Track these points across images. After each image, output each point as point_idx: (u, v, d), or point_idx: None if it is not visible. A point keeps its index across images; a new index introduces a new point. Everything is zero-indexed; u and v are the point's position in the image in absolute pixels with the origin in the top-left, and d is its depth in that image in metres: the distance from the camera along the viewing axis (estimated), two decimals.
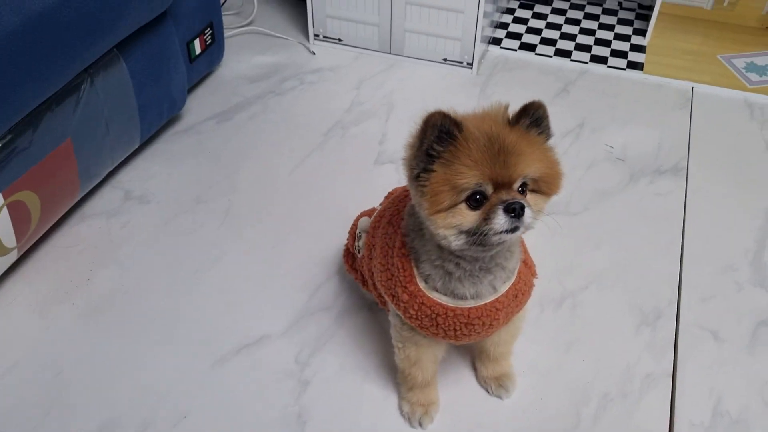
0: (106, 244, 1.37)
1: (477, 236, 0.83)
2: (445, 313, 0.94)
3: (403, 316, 0.99)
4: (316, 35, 1.96)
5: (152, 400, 1.12)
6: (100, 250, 1.36)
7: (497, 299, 0.95)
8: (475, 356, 1.16)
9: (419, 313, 0.96)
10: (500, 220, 0.81)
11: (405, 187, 1.03)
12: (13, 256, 1.24)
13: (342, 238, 1.27)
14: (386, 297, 1.01)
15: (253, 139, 1.64)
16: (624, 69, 1.90)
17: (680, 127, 1.71)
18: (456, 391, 1.14)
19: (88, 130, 1.32)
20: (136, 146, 1.52)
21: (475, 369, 1.16)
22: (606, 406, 1.12)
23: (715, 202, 1.50)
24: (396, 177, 1.53)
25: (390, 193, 1.16)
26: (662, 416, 1.11)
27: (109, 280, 1.30)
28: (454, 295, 0.94)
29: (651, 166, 1.59)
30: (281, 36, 1.99)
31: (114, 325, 1.23)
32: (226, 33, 1.94)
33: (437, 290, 0.94)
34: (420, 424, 1.08)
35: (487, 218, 0.82)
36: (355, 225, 1.18)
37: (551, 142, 0.89)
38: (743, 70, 1.89)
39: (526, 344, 1.19)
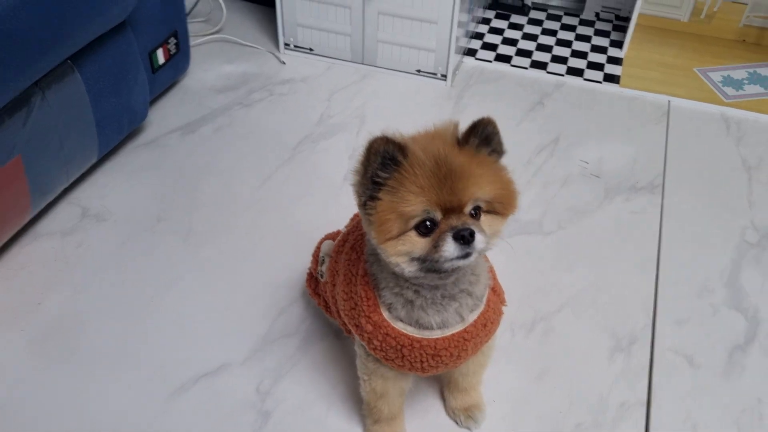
0: (59, 266, 1.31)
1: (429, 263, 0.80)
2: (411, 345, 0.90)
3: (367, 348, 0.94)
4: (286, 44, 1.91)
5: None
6: (53, 272, 1.30)
7: (465, 329, 0.91)
8: (443, 386, 1.11)
9: (384, 345, 0.91)
10: (449, 248, 0.78)
11: None
12: None
13: (308, 260, 1.22)
14: (350, 327, 0.96)
15: (219, 153, 1.58)
16: (600, 82, 1.87)
17: (656, 141, 1.68)
18: (424, 422, 1.10)
19: (39, 146, 1.25)
20: (94, 161, 1.45)
21: (443, 399, 1.12)
22: None
23: (690, 221, 1.47)
24: None
25: (356, 215, 1.11)
26: None
27: (61, 305, 1.24)
28: (420, 325, 0.89)
29: (626, 183, 1.55)
30: (250, 45, 1.94)
31: (64, 353, 1.17)
32: (194, 41, 1.88)
33: (401, 320, 0.89)
34: None
35: (436, 246, 0.79)
36: (318, 248, 1.13)
37: (505, 160, 0.85)
38: (720, 84, 1.87)
39: (497, 371, 1.15)
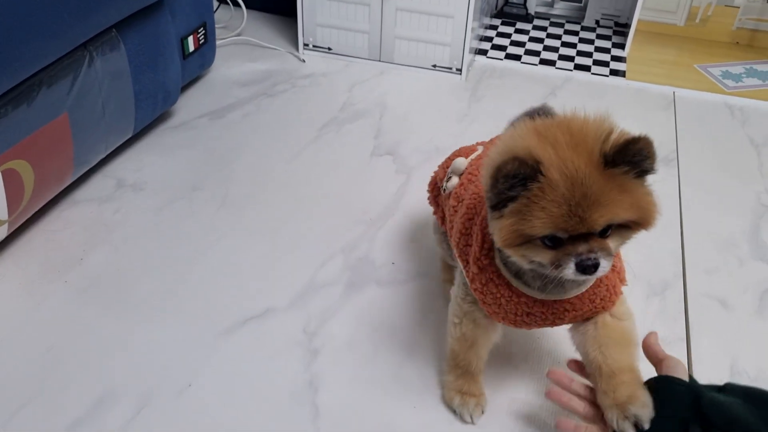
0: (98, 228, 1.32)
1: (548, 271, 0.76)
2: (510, 295, 0.87)
3: (469, 285, 0.92)
4: (305, 44, 1.98)
5: (153, 371, 1.06)
6: (92, 234, 1.31)
7: (568, 300, 0.86)
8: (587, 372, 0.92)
9: (485, 288, 0.88)
10: (569, 272, 0.74)
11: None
12: (2, 232, 1.19)
13: (341, 224, 1.26)
14: (458, 260, 0.95)
15: (248, 135, 1.63)
16: (607, 76, 1.95)
17: (666, 124, 1.75)
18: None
19: (84, 109, 1.29)
20: (130, 135, 1.49)
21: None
22: None
23: (707, 188, 1.53)
24: (394, 167, 1.52)
25: (491, 141, 1.04)
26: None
27: (103, 260, 1.25)
28: (523, 282, 0.87)
29: None
30: (270, 46, 2.01)
31: (110, 300, 1.17)
32: (216, 43, 1.94)
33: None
34: (471, 418, 0.99)
35: (557, 265, 0.74)
36: (450, 160, 1.09)
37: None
38: (720, 77, 1.97)
39: None
